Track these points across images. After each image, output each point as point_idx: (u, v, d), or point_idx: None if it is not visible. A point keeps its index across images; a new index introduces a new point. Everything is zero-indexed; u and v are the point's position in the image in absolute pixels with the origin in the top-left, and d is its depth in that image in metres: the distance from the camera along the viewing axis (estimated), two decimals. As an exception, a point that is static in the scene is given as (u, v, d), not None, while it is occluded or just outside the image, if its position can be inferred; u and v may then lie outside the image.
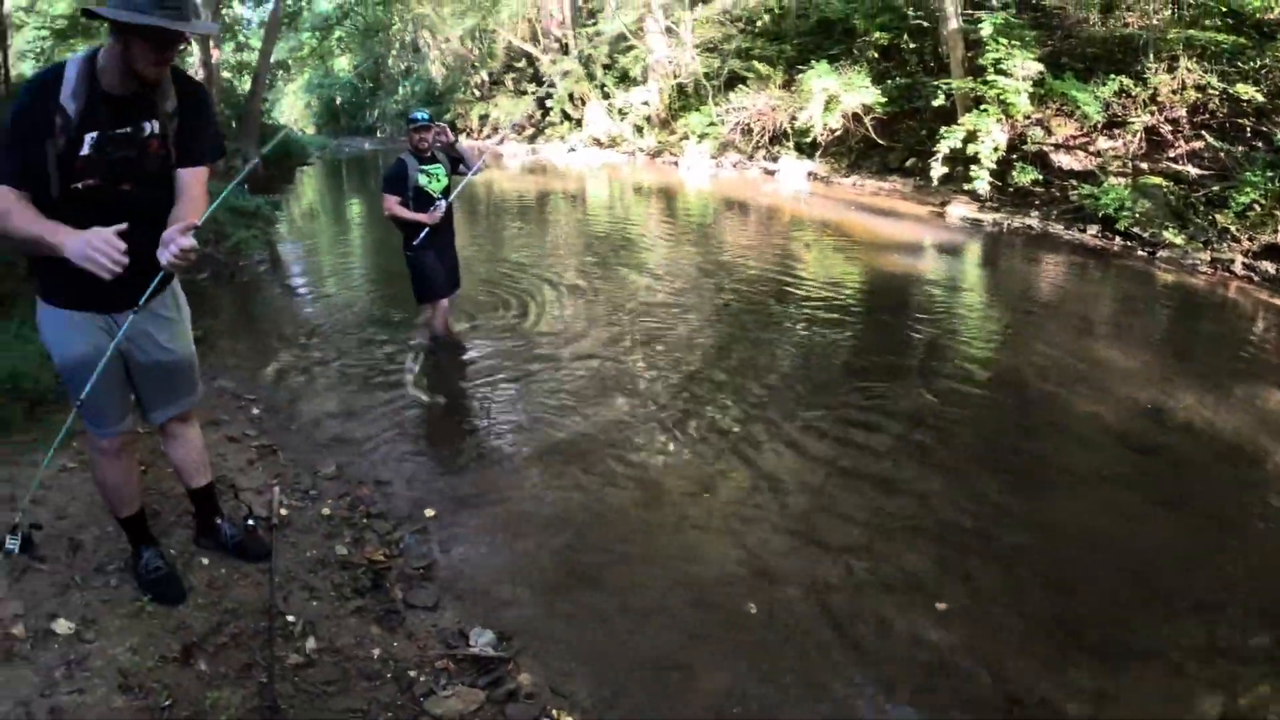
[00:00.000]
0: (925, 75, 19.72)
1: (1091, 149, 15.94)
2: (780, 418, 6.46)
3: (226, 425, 6.16)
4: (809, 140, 21.85)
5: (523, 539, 4.87)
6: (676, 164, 25.98)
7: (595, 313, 9.34)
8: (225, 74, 29.87)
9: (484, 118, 40.14)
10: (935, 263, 12.50)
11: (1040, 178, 15.90)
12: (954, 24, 17.75)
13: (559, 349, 8.15)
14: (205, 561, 4.15)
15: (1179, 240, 12.47)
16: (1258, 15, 14.22)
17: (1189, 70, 14.77)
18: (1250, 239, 11.88)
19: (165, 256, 2.99)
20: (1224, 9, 14.52)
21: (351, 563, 4.45)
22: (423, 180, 7.40)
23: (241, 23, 34.82)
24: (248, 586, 4.03)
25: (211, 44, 22.45)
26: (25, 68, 14.36)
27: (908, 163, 19.56)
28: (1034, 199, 15.84)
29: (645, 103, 29.22)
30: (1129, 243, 13.11)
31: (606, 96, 31.75)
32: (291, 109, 63.98)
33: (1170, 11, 15.84)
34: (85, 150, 3.10)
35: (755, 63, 24.36)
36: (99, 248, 2.83)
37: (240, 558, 4.20)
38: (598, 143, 31.11)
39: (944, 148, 16.60)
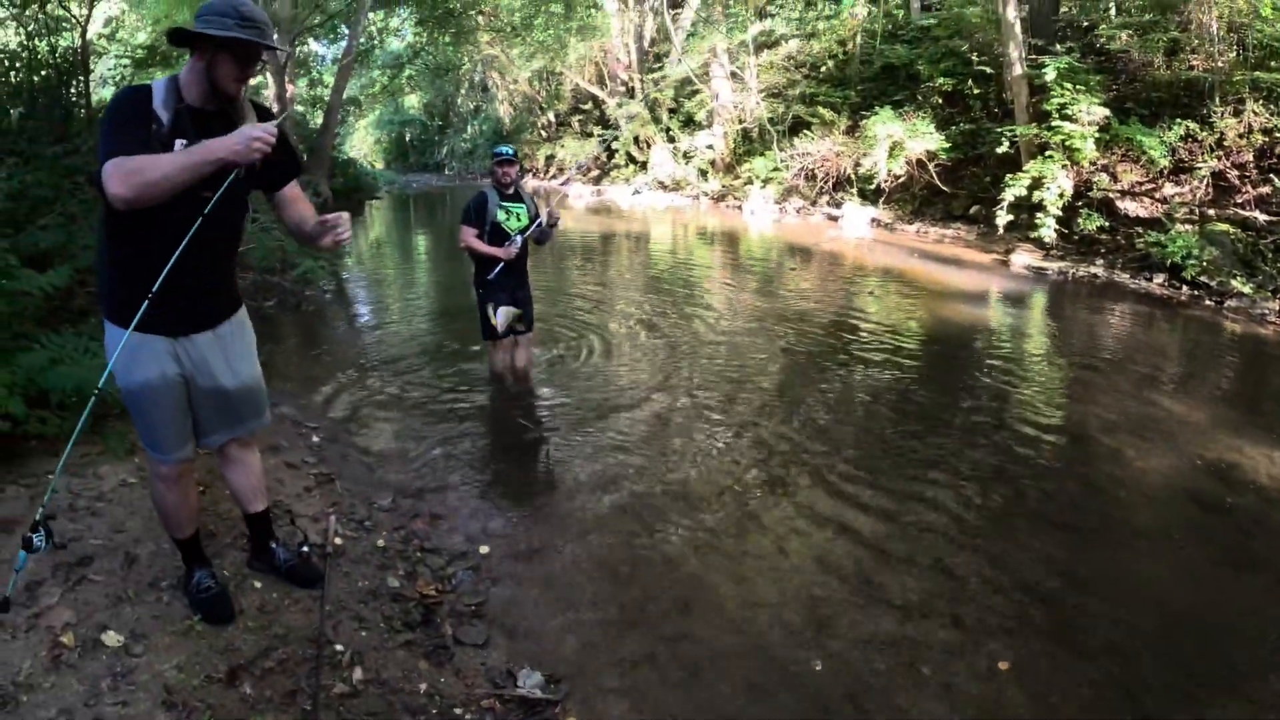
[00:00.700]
0: (989, 121, 19.64)
1: (1157, 195, 15.75)
2: (840, 467, 6.35)
3: (285, 451, 6.21)
4: (872, 186, 21.75)
5: (577, 581, 4.81)
6: (740, 208, 25.94)
7: (656, 356, 9.32)
8: (299, 108, 30.46)
9: (550, 158, 40.50)
10: (999, 312, 12.33)
11: (1106, 225, 15.67)
12: (1018, 69, 17.66)
13: (619, 391, 8.12)
14: (258, 585, 4.16)
15: (1247, 289, 12.26)
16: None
17: (1255, 113, 14.66)
18: (1322, 287, 11.63)
19: (341, 235, 3.40)
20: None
21: (403, 595, 4.44)
22: (501, 216, 7.34)
23: (315, 59, 35.55)
24: (298, 613, 4.03)
25: (286, 78, 22.90)
26: (105, 93, 14.67)
27: (971, 210, 19.39)
28: (1099, 247, 15.62)
29: (710, 146, 29.33)
30: (1196, 291, 12.89)
31: (671, 140, 31.90)
32: (362, 144, 65.14)
33: (1235, 53, 15.71)
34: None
35: (819, 108, 24.37)
36: (253, 133, 3.03)
37: (292, 583, 4.21)
38: (662, 185, 31.21)
39: (1009, 194, 16.44)
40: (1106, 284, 14.09)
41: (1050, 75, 16.11)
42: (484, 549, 5.09)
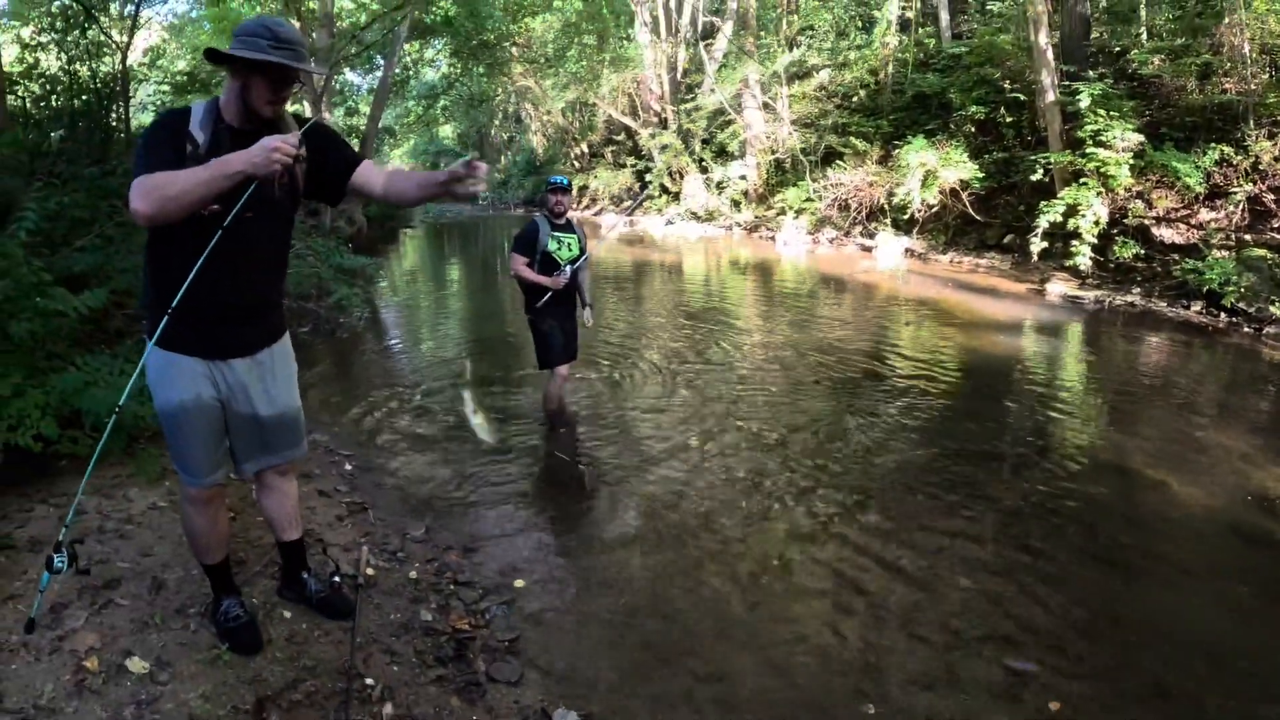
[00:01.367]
0: (1023, 149, 19.54)
1: (1193, 221, 15.60)
2: (879, 501, 6.25)
3: (318, 479, 6.22)
4: (906, 216, 21.69)
5: (613, 618, 4.70)
6: (773, 239, 25.91)
7: (693, 387, 9.22)
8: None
9: (583, 189, 40.63)
10: (1035, 342, 12.19)
11: (1141, 252, 15.53)
12: (1051, 96, 17.57)
13: (656, 424, 8.01)
14: (287, 614, 4.12)
15: (1287, 315, 12.09)
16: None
17: (1290, 136, 14.44)
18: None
19: (477, 186, 3.15)
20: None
21: (435, 629, 4.36)
22: (552, 246, 7.29)
23: (352, 88, 35.89)
24: (328, 644, 3.98)
25: (323, 107, 23.13)
26: (144, 118, 14.87)
27: (1006, 239, 19.30)
28: (1136, 275, 15.47)
29: (743, 177, 29.35)
30: (1234, 319, 12.77)
31: (704, 170, 31.96)
32: None
33: (1269, 75, 15.61)
34: None
35: (852, 138, 24.36)
36: (271, 144, 2.98)
37: (323, 614, 4.16)
38: (695, 216, 31.22)
39: (1043, 222, 16.33)
40: (1143, 312, 13.96)
41: (1084, 102, 16.03)
42: (519, 583, 5.00)
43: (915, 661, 4.31)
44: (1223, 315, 12.99)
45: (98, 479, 5.32)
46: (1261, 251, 13.44)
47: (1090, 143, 15.82)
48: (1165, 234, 15.79)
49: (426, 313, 15.40)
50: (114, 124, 10.53)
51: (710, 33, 34.78)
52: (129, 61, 11.59)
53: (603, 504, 6.27)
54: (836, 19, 28.48)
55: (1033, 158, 17.73)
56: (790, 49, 28.06)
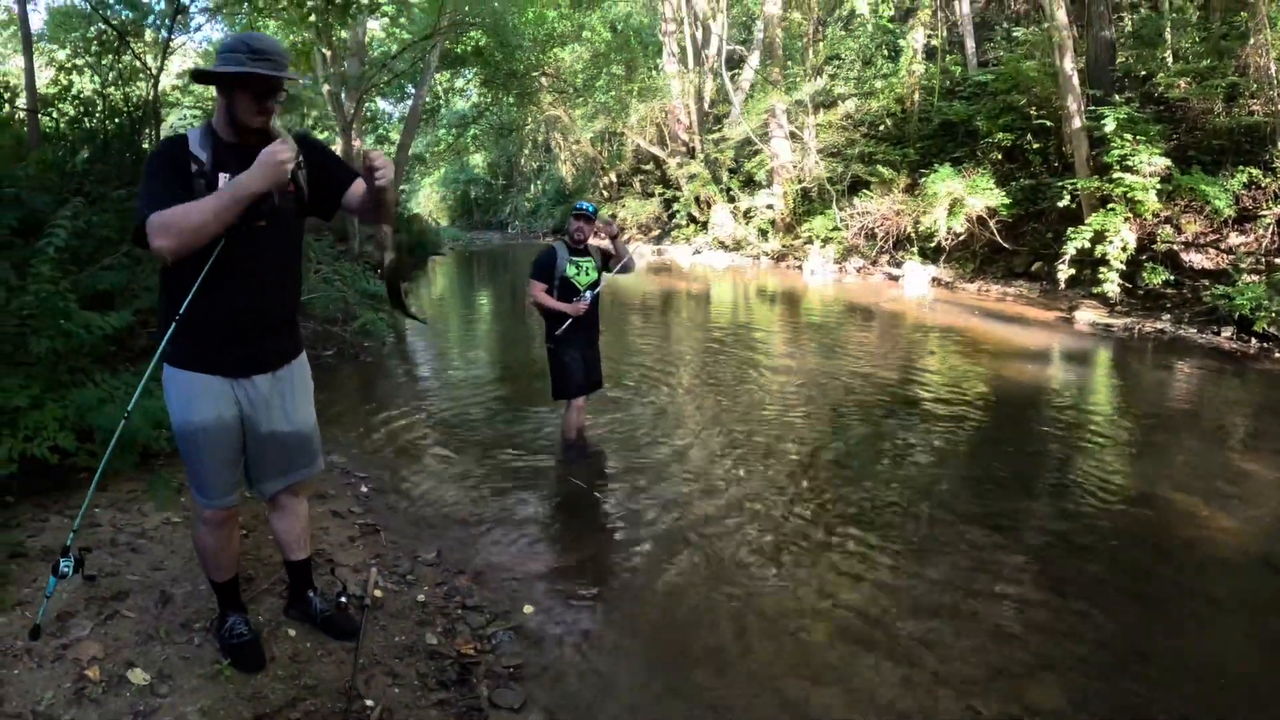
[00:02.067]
0: (1049, 176, 19.45)
1: (1223, 246, 15.48)
2: (902, 532, 6.10)
3: (332, 500, 6.22)
4: (933, 245, 21.64)
5: (622, 647, 4.61)
6: (800, 268, 25.89)
7: (716, 416, 9.14)
8: (364, 164, 30.95)
9: (612, 218, 40.75)
10: (1063, 370, 12.05)
11: (1171, 278, 15.40)
12: (1077, 122, 17.50)
13: (677, 454, 7.92)
14: (292, 633, 4.11)
15: (1320, 340, 11.94)
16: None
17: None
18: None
19: (381, 178, 3.24)
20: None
21: (440, 653, 4.30)
22: (570, 271, 7.22)
23: (382, 116, 36.20)
24: (330, 664, 3.96)
25: (353, 134, 23.32)
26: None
27: (1034, 267, 19.17)
28: (1165, 301, 15.36)
29: (769, 206, 29.36)
30: (1266, 344, 12.63)
31: (731, 200, 32.03)
32: (427, 200, 66.77)
33: (1295, 95, 15.44)
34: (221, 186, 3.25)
35: (878, 166, 24.35)
36: (272, 150, 3.12)
37: (327, 633, 4.14)
38: (722, 245, 31.28)
39: (1070, 249, 16.22)
40: (1173, 339, 13.80)
41: (1110, 126, 15.95)
42: (528, 609, 4.92)
43: (931, 701, 4.17)
44: (1254, 341, 12.85)
45: (113, 493, 5.38)
46: (1293, 275, 13.25)
47: (1117, 167, 15.71)
48: (1194, 259, 15.68)
49: (452, 339, 15.47)
50: (144, 147, 10.64)
51: (737, 62, 34.94)
52: (161, 86, 11.75)
53: (617, 535, 6.18)
54: (862, 47, 28.54)
55: (1059, 184, 17.66)
56: (816, 78, 28.13)
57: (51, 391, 5.27)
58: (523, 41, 25.99)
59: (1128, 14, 22.70)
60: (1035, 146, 20.17)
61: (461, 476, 7.26)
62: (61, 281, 5.65)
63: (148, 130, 10.98)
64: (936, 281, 21.19)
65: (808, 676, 4.35)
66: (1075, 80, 17.70)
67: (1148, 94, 18.94)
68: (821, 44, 29.66)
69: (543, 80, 32.07)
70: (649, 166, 41.28)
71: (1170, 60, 19.34)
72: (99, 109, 10.86)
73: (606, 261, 7.53)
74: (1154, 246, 15.75)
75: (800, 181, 27.69)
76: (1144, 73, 19.86)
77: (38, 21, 24.97)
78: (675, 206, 36.05)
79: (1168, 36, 19.65)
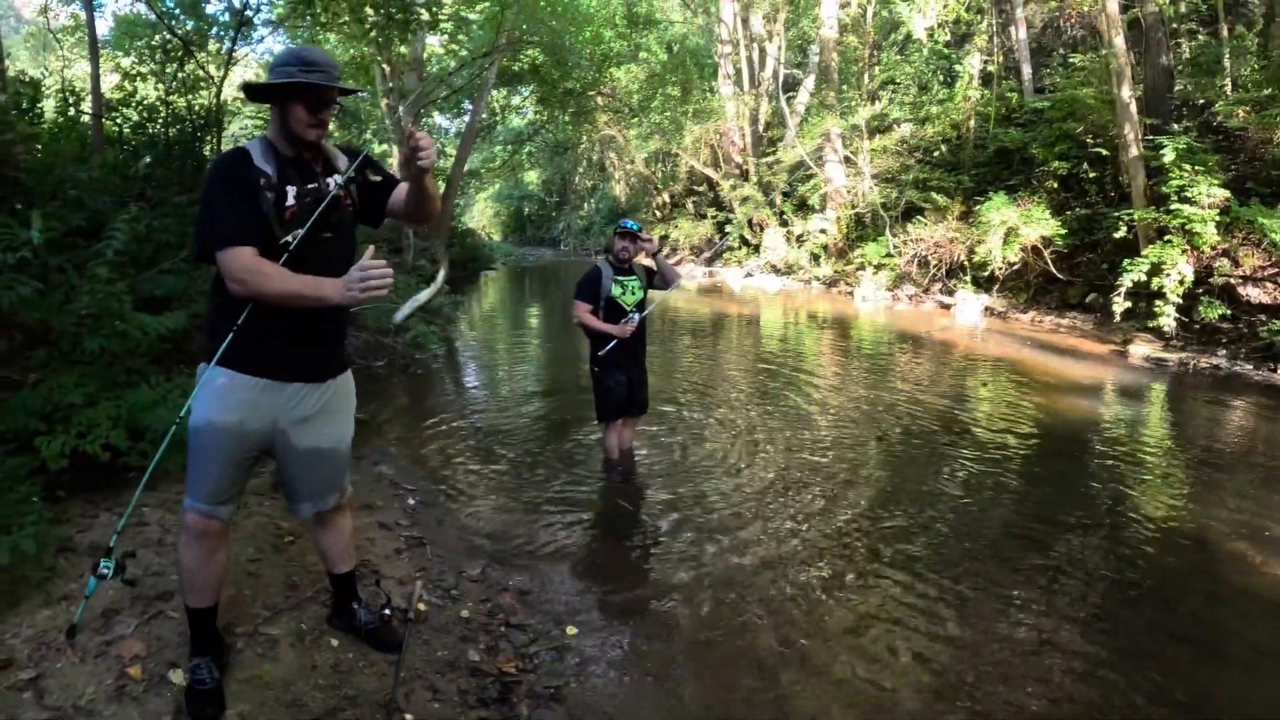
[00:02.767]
0: (1105, 205, 19.21)
1: (1281, 280, 15.21)
2: (948, 569, 5.98)
3: (379, 512, 6.25)
4: (986, 274, 21.43)
5: (666, 672, 4.55)
6: (851, 294, 25.73)
7: (763, 442, 9.04)
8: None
9: (664, 238, 40.80)
10: (1116, 405, 11.86)
11: (1227, 313, 15.16)
12: (1134, 151, 17.28)
13: (723, 477, 7.85)
14: (334, 643, 4.13)
15: (1379, 380, 11.69)
16: None
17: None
18: None
19: (425, 160, 3.31)
20: None
21: (482, 670, 4.28)
22: (616, 291, 7.16)
23: (439, 132, 36.47)
24: (371, 676, 3.97)
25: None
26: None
27: (1088, 298, 18.96)
28: (1221, 336, 15.12)
29: (822, 231, 29.23)
30: (1323, 383, 12.31)
31: (784, 223, 31.93)
32: (481, 215, 67.37)
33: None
34: (290, 201, 3.34)
35: (933, 193, 24.18)
36: (366, 272, 3.11)
37: (371, 645, 4.16)
38: (774, 269, 31.18)
39: (1126, 280, 16.01)
40: (1228, 375, 13.59)
41: (1168, 156, 15.74)
42: (571, 630, 4.89)
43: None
44: (1311, 379, 12.56)
45: (162, 493, 5.44)
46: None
47: (1175, 198, 15.52)
48: (1252, 293, 15.40)
49: (502, 354, 15.55)
50: (206, 154, 10.80)
51: (792, 85, 34.90)
52: (223, 95, 11.93)
53: (664, 558, 6.11)
54: (918, 72, 28.42)
55: (1116, 214, 17.43)
56: (872, 102, 28.03)
57: (106, 391, 5.35)
58: (579, 60, 26.05)
59: (1185, 40, 22.44)
60: (1091, 175, 19.94)
61: (508, 493, 7.27)
62: (118, 283, 5.73)
63: (209, 138, 11.13)
64: (989, 311, 20.98)
65: (852, 711, 4.29)
66: (1133, 108, 17.50)
67: (1205, 123, 18.71)
68: (877, 68, 29.59)
69: (598, 99, 32.14)
70: (702, 188, 41.32)
71: (1229, 89, 19.11)
72: (161, 115, 11.03)
73: (651, 279, 7.48)
74: (1210, 280, 15.50)
75: (854, 206, 27.56)
76: (1202, 101, 19.63)
77: (104, 28, 25.48)
78: (728, 229, 36.03)
79: (1226, 64, 19.41)
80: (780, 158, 32.59)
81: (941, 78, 28.17)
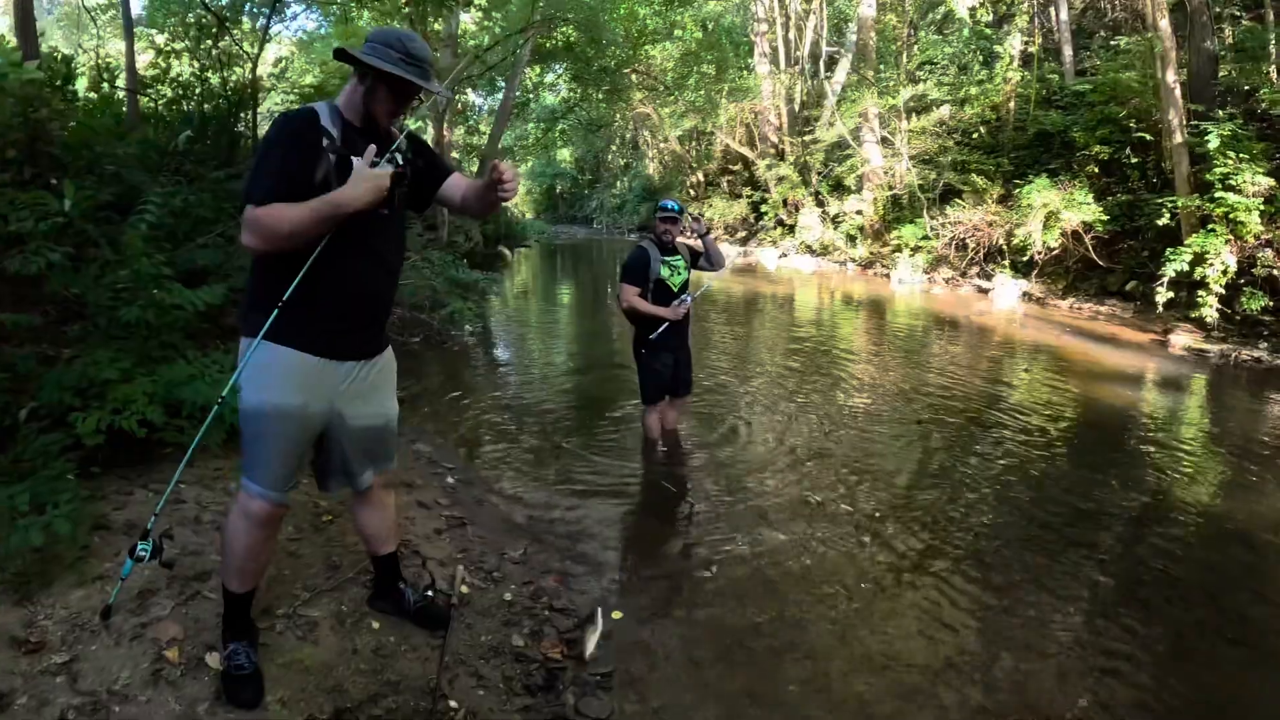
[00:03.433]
0: (1148, 192, 18.89)
1: (1324, 272, 14.89)
2: (990, 561, 5.84)
3: (419, 490, 6.20)
4: (1025, 258, 21.17)
5: (712, 660, 4.44)
6: (888, 276, 25.55)
7: (801, 425, 8.94)
8: (455, 154, 31.38)
9: (699, 216, 40.57)
10: (1157, 396, 11.69)
11: (1270, 304, 14.87)
12: (1179, 137, 16.90)
13: (763, 460, 7.75)
14: (375, 625, 4.06)
15: None
16: None
17: None
18: None
19: (507, 192, 3.32)
20: None
21: (526, 656, 4.19)
22: (665, 272, 7.05)
23: (473, 109, 36.56)
24: (413, 661, 3.90)
25: (445, 125, 23.50)
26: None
27: (1128, 286, 18.64)
28: (1262, 328, 14.85)
29: (859, 212, 29.00)
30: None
31: (820, 204, 31.71)
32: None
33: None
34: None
35: (972, 175, 23.85)
36: (365, 172, 3.14)
37: (419, 624, 4.10)
38: (809, 250, 30.97)
39: (1169, 270, 15.68)
40: (1269, 369, 13.36)
41: (1213, 143, 15.41)
42: (616, 614, 4.78)
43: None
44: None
45: (199, 469, 5.40)
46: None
47: (1219, 186, 15.21)
48: (1294, 285, 15.11)
49: (537, 331, 15.56)
50: (242, 130, 10.79)
51: (830, 65, 34.65)
52: (258, 72, 11.92)
53: (708, 541, 6.00)
54: (957, 53, 28.12)
55: (1159, 201, 17.14)
56: (911, 83, 27.77)
57: (142, 366, 5.30)
58: (614, 38, 25.95)
59: (1228, 26, 22.04)
60: (1133, 161, 19.62)
61: (547, 471, 7.23)
62: (156, 255, 5.68)
63: (245, 114, 11.12)
64: (1027, 296, 20.76)
65: (898, 700, 4.20)
66: (1177, 93, 17.12)
67: (1250, 110, 18.31)
68: (915, 48, 29.29)
69: (633, 77, 32.05)
70: (737, 167, 41.18)
71: (1275, 75, 18.75)
72: (197, 91, 11.02)
73: (696, 260, 7.36)
74: (1254, 270, 15.19)
75: (891, 188, 27.31)
76: (1247, 87, 19.25)
77: (138, 5, 25.55)
78: (763, 208, 35.89)
79: (1272, 50, 19.05)
80: (818, 137, 32.32)
81: (981, 59, 27.87)
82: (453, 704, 3.67)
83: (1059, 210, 19.27)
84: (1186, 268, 15.43)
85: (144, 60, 13.87)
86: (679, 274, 7.16)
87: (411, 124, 31.45)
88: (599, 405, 9.24)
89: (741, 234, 37.19)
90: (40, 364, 5.16)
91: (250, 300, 3.37)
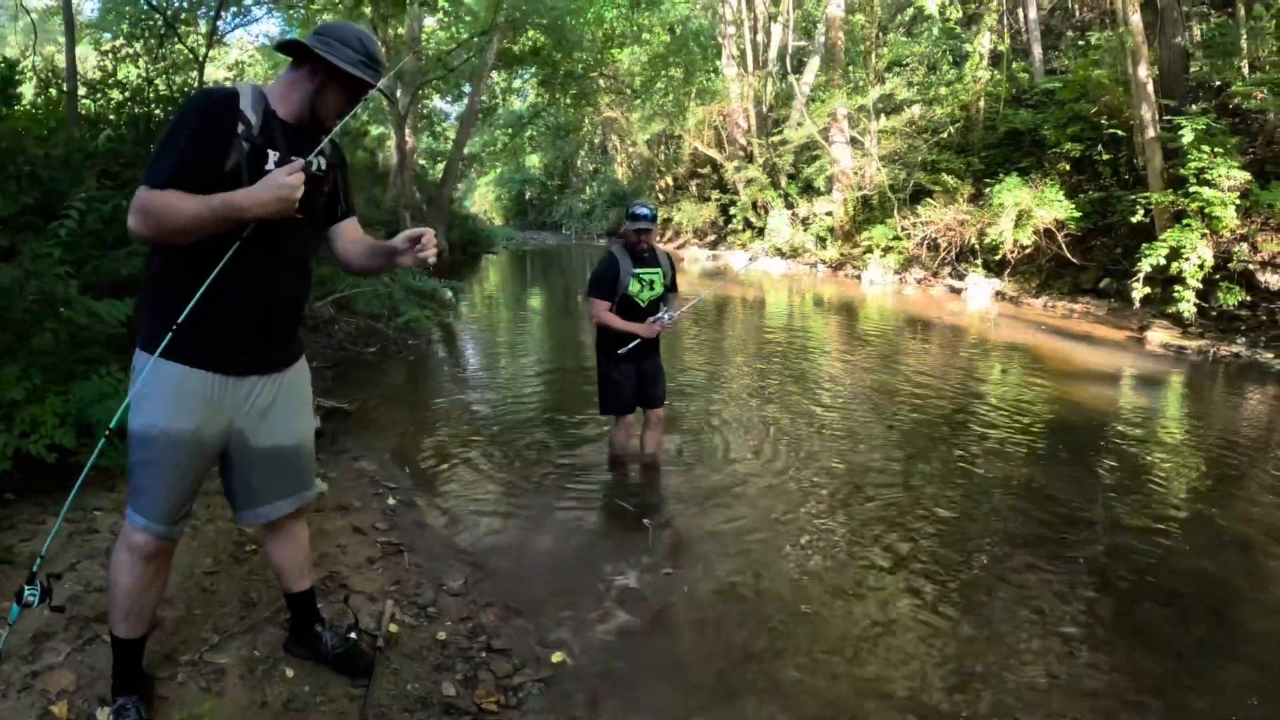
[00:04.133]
0: (1120, 188, 18.75)
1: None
2: (967, 578, 5.40)
3: (355, 513, 5.73)
4: (997, 258, 21.03)
5: (665, 711, 3.89)
6: (859, 277, 25.46)
7: (771, 436, 8.45)
8: (421, 161, 31.14)
9: (667, 222, 40.51)
10: (1138, 396, 11.36)
11: (1246, 299, 14.73)
12: (1151, 133, 16.77)
13: (732, 477, 7.20)
14: (289, 673, 3.62)
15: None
16: None
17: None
18: None
19: (427, 256, 3.04)
20: None
21: (457, 707, 3.68)
22: (634, 287, 6.49)
23: (439, 115, 36.32)
24: (329, 715, 3.45)
25: (408, 131, 23.18)
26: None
27: (1102, 283, 18.51)
28: (1239, 323, 14.67)
29: (829, 213, 28.92)
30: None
31: (790, 206, 31.59)
32: (483, 200, 67.99)
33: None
34: (270, 165, 2.90)
35: (942, 175, 23.72)
36: (281, 179, 2.74)
37: (338, 671, 3.63)
38: (779, 252, 30.79)
39: (1145, 265, 15.52)
40: (1248, 364, 13.13)
41: (1187, 138, 15.28)
42: (556, 657, 4.20)
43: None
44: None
45: (119, 494, 5.00)
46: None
47: (1194, 181, 15.06)
48: (1271, 280, 14.95)
49: (500, 339, 15.17)
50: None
51: (798, 66, 34.60)
52: (211, 76, 11.61)
53: (666, 570, 5.40)
54: (926, 52, 28.07)
55: (1132, 197, 16.98)
56: (880, 83, 27.67)
57: (57, 384, 4.93)
58: (581, 42, 25.74)
59: (1197, 22, 21.99)
60: (1105, 157, 19.49)
61: (499, 492, 6.70)
62: (63, 267, 5.29)
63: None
64: (1000, 295, 20.65)
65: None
66: (1150, 88, 17.01)
67: (1222, 104, 18.23)
68: (885, 48, 29.20)
69: (600, 82, 31.87)
70: (706, 170, 41.21)
71: (1246, 70, 18.64)
72: (146, 95, 10.66)
73: (674, 274, 6.87)
74: (1229, 265, 15.05)
75: (861, 188, 27.18)
76: (1218, 82, 19.15)
77: (90, 9, 25.16)
78: (732, 211, 35.83)
79: (1243, 45, 18.96)
80: (787, 138, 32.20)
81: (950, 58, 27.83)
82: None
83: (1031, 208, 19.13)
84: (1163, 262, 15.27)
85: (92, 63, 13.63)
86: (650, 289, 6.62)
87: (375, 131, 31.28)
88: (562, 418, 8.79)
89: (711, 237, 37.08)
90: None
91: (148, 309, 3.00)
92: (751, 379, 11.42)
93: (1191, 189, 15.08)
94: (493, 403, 9.57)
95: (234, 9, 14.76)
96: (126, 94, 10.73)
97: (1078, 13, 28.05)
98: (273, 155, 2.91)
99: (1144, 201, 16.48)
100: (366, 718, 3.46)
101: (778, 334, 16.13)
